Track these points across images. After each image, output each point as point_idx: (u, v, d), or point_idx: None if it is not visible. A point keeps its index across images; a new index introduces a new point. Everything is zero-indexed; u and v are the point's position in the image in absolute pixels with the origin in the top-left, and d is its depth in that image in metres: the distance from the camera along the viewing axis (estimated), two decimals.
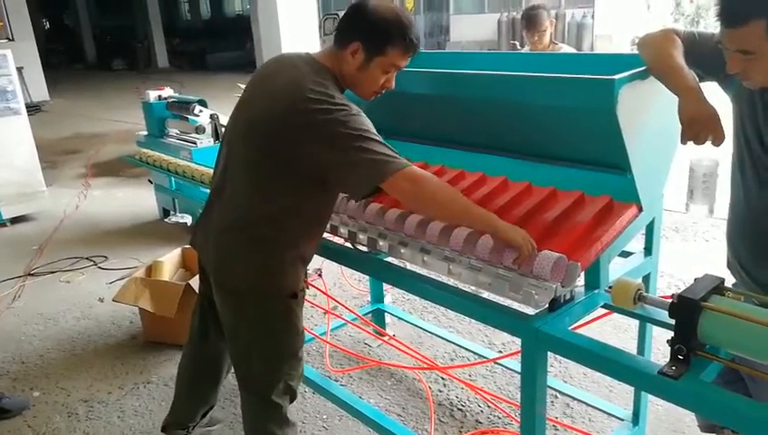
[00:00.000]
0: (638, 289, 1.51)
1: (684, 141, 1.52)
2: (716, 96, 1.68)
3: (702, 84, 1.61)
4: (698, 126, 1.47)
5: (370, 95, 1.84)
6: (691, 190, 1.73)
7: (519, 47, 5.47)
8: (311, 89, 1.66)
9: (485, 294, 3.53)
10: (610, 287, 1.59)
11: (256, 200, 1.79)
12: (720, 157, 1.68)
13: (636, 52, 1.74)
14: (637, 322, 2.17)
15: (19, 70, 5.84)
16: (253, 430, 2.06)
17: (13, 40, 5.97)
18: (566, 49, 3.82)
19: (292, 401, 2.05)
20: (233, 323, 1.96)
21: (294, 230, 1.83)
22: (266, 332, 1.92)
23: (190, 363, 2.33)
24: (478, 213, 1.70)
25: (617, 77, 1.53)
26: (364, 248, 2.12)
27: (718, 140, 1.47)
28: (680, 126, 1.52)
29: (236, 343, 1.99)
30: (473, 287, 3.97)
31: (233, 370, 2.11)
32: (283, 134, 1.67)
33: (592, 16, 14.18)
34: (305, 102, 1.64)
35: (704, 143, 1.49)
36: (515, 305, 1.67)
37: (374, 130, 1.68)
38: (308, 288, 2.37)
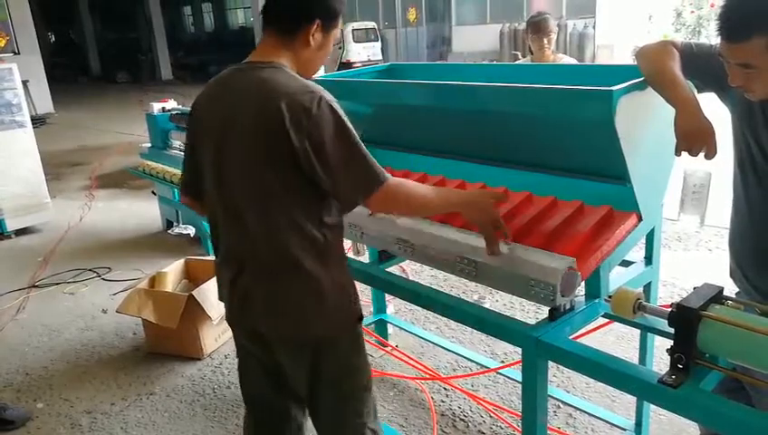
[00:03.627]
0: (638, 298, 1.52)
1: (678, 153, 1.54)
2: (713, 104, 1.70)
3: (700, 95, 1.63)
4: (692, 139, 1.48)
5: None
6: (682, 200, 1.74)
7: (521, 57, 5.49)
8: (299, 91, 1.49)
9: (487, 304, 3.54)
10: (610, 297, 1.59)
11: (297, 224, 1.54)
12: (714, 168, 1.69)
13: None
14: (639, 331, 2.17)
15: (24, 83, 5.88)
16: None
17: (18, 54, 6.00)
18: (567, 60, 3.83)
19: None
20: (312, 376, 1.68)
21: (336, 242, 1.62)
22: (350, 370, 1.70)
23: None
24: (447, 202, 1.67)
25: (614, 88, 1.54)
26: (365, 258, 2.13)
27: (710, 154, 1.48)
28: (674, 138, 1.53)
29: (322, 396, 1.71)
30: (475, 298, 3.98)
31: None
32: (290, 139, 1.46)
33: (594, 26, 14.25)
34: (303, 104, 1.47)
35: (697, 156, 1.50)
36: (517, 315, 1.68)
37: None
38: None
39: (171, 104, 5.49)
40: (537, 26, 3.63)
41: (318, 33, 1.57)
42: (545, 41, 3.61)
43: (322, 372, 1.67)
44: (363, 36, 17.14)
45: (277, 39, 1.58)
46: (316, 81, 2.53)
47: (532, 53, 3.76)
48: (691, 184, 1.60)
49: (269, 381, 1.79)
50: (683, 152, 1.53)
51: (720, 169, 1.72)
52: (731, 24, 1.37)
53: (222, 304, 1.78)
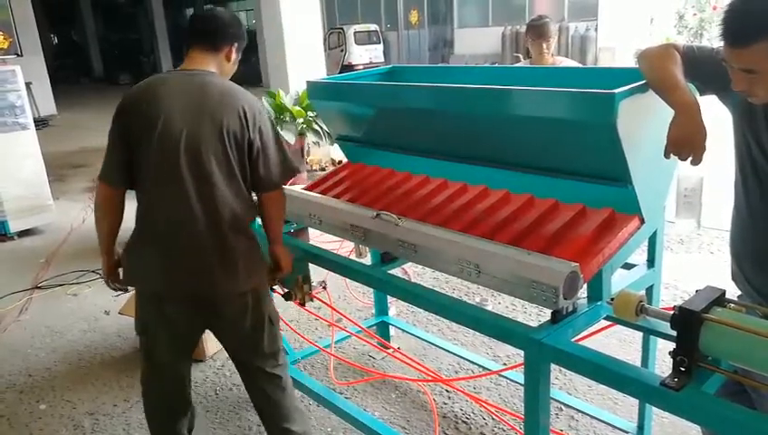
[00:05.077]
0: (640, 301, 1.52)
1: (666, 155, 1.54)
2: (715, 107, 1.70)
3: (702, 97, 1.63)
4: (681, 144, 1.50)
5: None
6: (677, 204, 1.75)
7: (522, 59, 5.49)
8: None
9: (489, 306, 3.54)
10: (613, 299, 1.59)
11: (240, 195, 2.00)
12: (707, 172, 1.69)
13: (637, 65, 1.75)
14: (641, 334, 2.17)
15: (27, 85, 5.90)
16: (288, 393, 2.24)
17: (21, 56, 5.99)
18: (567, 62, 3.83)
19: None
20: (257, 318, 2.10)
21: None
22: (269, 310, 2.16)
23: (168, 407, 2.38)
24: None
25: (617, 91, 1.55)
26: (367, 260, 2.14)
27: (696, 161, 1.50)
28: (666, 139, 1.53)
29: (262, 333, 2.13)
30: (477, 300, 3.97)
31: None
32: (243, 131, 1.95)
33: (595, 29, 14.26)
34: (255, 105, 2.00)
35: (685, 160, 1.51)
36: (519, 317, 1.68)
37: None
38: (312, 300, 2.57)
39: None
40: (537, 31, 3.63)
41: (233, 53, 2.07)
42: (545, 46, 3.62)
43: (259, 314, 2.10)
44: (365, 39, 17.16)
45: (206, 53, 2.02)
46: (317, 81, 2.59)
47: (530, 57, 3.77)
48: (683, 188, 1.61)
49: (180, 347, 2.20)
50: (671, 156, 1.54)
51: (717, 172, 1.72)
52: (734, 28, 1.37)
53: None
